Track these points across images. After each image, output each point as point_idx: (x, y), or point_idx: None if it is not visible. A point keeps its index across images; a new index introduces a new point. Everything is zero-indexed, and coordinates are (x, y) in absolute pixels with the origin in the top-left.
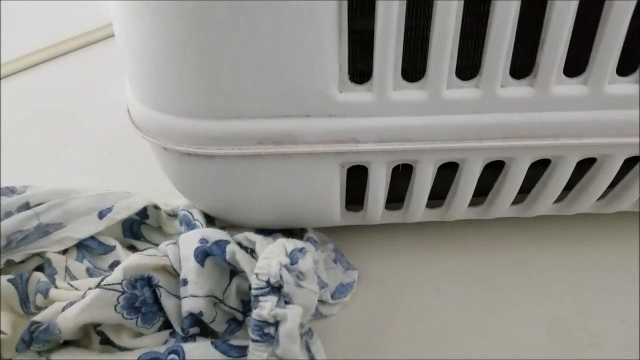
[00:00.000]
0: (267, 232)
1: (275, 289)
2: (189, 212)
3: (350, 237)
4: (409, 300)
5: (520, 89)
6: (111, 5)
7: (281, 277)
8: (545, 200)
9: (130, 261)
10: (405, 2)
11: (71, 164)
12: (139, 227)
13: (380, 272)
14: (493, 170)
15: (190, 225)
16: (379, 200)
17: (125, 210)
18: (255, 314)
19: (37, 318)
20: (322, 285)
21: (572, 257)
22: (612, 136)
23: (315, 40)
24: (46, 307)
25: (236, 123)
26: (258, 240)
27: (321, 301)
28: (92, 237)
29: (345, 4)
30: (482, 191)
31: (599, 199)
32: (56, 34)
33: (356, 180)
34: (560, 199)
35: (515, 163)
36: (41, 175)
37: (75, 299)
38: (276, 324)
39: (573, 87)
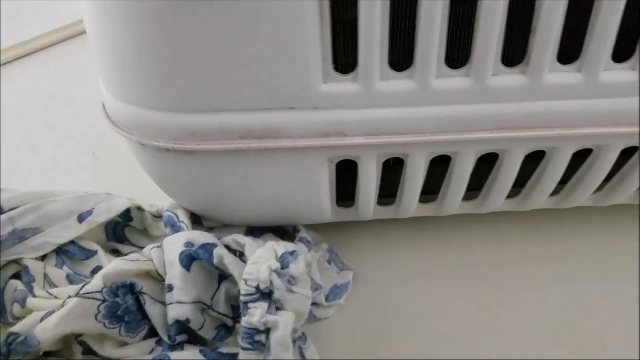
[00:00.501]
0: (257, 232)
1: (266, 295)
2: (173, 213)
3: (345, 236)
4: (407, 302)
5: (512, 78)
6: None
7: (271, 282)
8: (540, 193)
9: (111, 268)
10: None
11: (51, 166)
12: (123, 230)
13: (376, 272)
14: (488, 164)
15: (175, 227)
16: (371, 195)
17: (106, 213)
18: (245, 321)
19: (14, 329)
20: (316, 287)
21: (577, 257)
22: (608, 126)
23: (297, 29)
24: (24, 318)
25: (216, 117)
26: (247, 242)
27: (315, 304)
28: (73, 242)
29: None
30: (478, 185)
31: (596, 191)
32: (34, 27)
33: (348, 174)
34: (556, 192)
35: (508, 155)
36: (18, 177)
37: (55, 309)
38: (267, 332)
39: (567, 75)
